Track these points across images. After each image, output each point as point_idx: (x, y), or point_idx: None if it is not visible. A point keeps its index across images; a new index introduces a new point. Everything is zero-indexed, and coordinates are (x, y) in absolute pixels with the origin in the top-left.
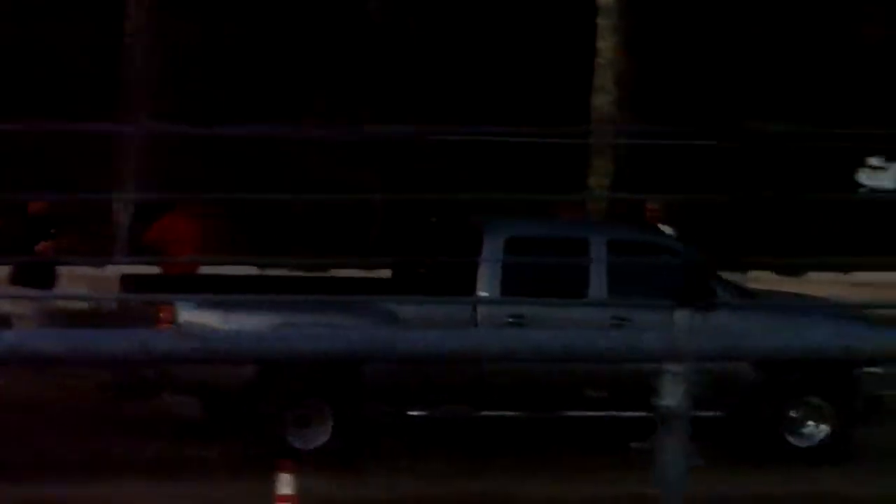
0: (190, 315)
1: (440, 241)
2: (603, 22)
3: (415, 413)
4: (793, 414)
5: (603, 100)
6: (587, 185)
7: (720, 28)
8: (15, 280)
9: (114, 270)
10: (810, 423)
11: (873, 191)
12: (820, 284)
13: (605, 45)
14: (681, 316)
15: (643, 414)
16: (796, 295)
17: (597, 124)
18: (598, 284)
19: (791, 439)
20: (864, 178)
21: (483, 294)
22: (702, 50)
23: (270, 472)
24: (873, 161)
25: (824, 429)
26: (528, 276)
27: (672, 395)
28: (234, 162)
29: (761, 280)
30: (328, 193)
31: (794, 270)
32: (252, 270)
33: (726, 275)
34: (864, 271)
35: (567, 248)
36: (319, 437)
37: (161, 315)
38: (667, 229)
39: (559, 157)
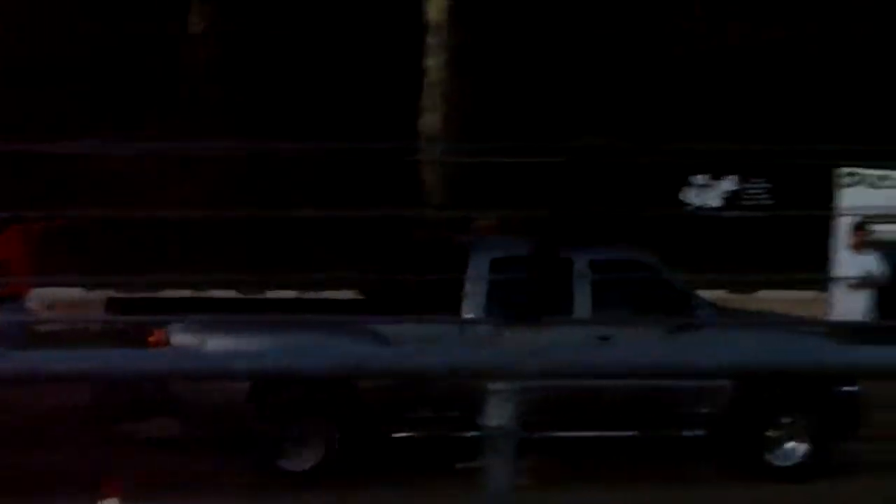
0: (181, 338)
1: (424, 260)
2: (431, 40)
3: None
4: (771, 433)
5: (431, 118)
6: (416, 203)
7: (550, 44)
8: None
9: None
10: (790, 441)
11: (699, 209)
12: None
13: (434, 63)
14: (512, 333)
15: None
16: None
17: (425, 142)
18: (582, 303)
19: (770, 458)
20: (690, 195)
21: (468, 314)
22: (532, 66)
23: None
24: (699, 179)
25: (803, 447)
26: (513, 296)
27: (499, 415)
28: (59, 178)
29: None
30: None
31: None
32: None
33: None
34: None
35: (554, 268)
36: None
37: (152, 338)
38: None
39: (388, 174)
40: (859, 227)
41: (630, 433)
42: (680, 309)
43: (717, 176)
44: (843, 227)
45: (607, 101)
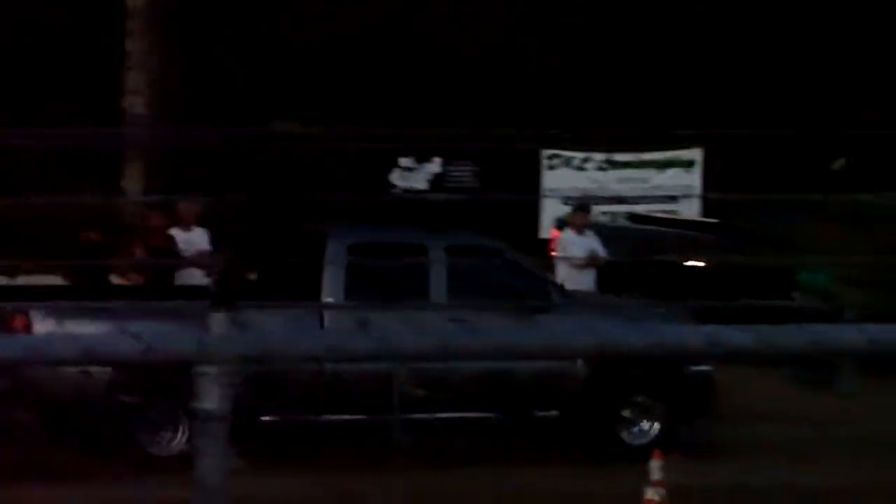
0: (43, 324)
1: (281, 248)
2: (132, 24)
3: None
4: (626, 413)
5: (134, 102)
6: (121, 189)
7: (254, 30)
8: None
9: None
10: (642, 420)
11: (406, 191)
12: None
13: (136, 47)
14: (216, 318)
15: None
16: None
17: (129, 126)
18: (437, 288)
19: (625, 437)
20: (397, 178)
21: (328, 300)
22: (237, 52)
23: None
24: (405, 162)
25: (656, 426)
26: (371, 282)
27: (209, 398)
28: None
29: None
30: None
31: None
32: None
33: None
34: None
35: (407, 254)
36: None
37: (14, 323)
38: (199, 232)
39: (92, 160)
40: (581, 209)
41: (486, 415)
42: (534, 292)
43: (423, 159)
44: (550, 208)
45: (316, 86)
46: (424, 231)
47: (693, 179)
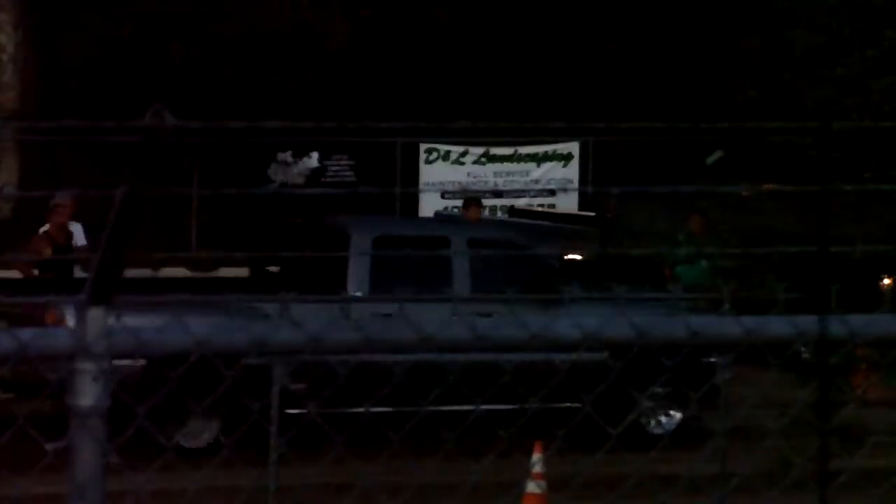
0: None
1: (305, 241)
2: (3, 16)
3: None
4: (648, 402)
5: (6, 95)
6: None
7: (133, 23)
8: None
9: None
10: (665, 410)
11: (283, 185)
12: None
13: (6, 40)
14: (94, 314)
15: None
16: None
17: (1, 120)
18: (461, 280)
19: (647, 427)
20: (274, 173)
21: (355, 293)
22: (107, 46)
23: None
24: (282, 156)
25: (678, 415)
26: (395, 275)
27: (87, 394)
28: None
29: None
30: None
31: (206, 266)
32: None
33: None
34: None
35: (431, 247)
36: None
37: (48, 318)
38: (74, 226)
39: None
40: (474, 202)
41: (512, 406)
42: (551, 283)
43: (300, 153)
44: (428, 202)
45: (189, 79)
46: (448, 223)
47: (571, 173)
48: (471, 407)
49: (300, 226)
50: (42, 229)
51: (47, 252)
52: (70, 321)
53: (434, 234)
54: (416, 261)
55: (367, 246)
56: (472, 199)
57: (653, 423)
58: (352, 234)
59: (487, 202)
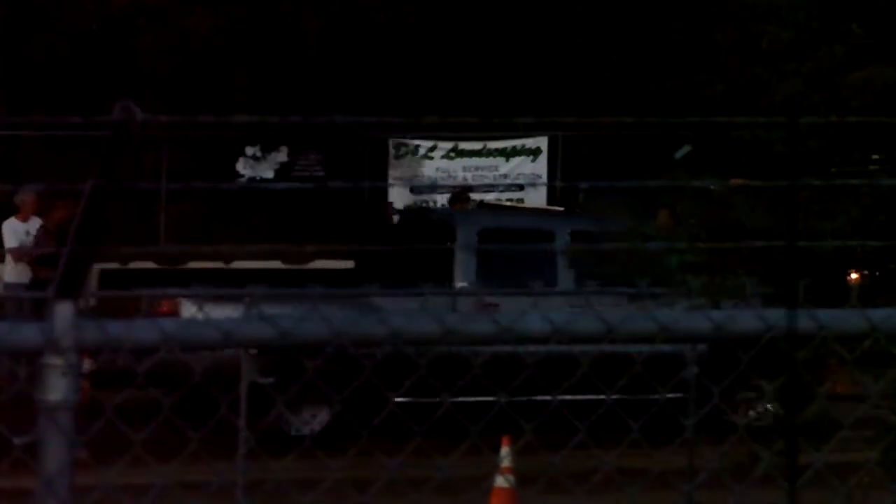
0: (190, 310)
1: (411, 234)
2: None
3: None
4: (741, 395)
5: None
6: None
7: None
8: None
9: None
10: (758, 403)
11: (252, 180)
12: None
13: None
14: (62, 308)
15: None
16: None
17: None
18: (566, 273)
19: (739, 420)
20: (243, 167)
21: (462, 285)
22: (68, 37)
23: None
24: (251, 151)
25: (769, 407)
26: (500, 267)
27: (56, 389)
28: None
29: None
30: None
31: (174, 260)
32: None
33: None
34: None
35: (535, 240)
36: None
37: (165, 310)
38: (33, 222)
39: None
40: (462, 198)
41: (600, 397)
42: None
43: (269, 148)
44: (397, 197)
45: (158, 74)
46: (551, 215)
47: (539, 168)
48: (548, 397)
49: (407, 218)
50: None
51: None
52: (185, 312)
53: (538, 227)
54: (521, 253)
55: (473, 238)
56: (460, 194)
57: (750, 414)
58: (458, 227)
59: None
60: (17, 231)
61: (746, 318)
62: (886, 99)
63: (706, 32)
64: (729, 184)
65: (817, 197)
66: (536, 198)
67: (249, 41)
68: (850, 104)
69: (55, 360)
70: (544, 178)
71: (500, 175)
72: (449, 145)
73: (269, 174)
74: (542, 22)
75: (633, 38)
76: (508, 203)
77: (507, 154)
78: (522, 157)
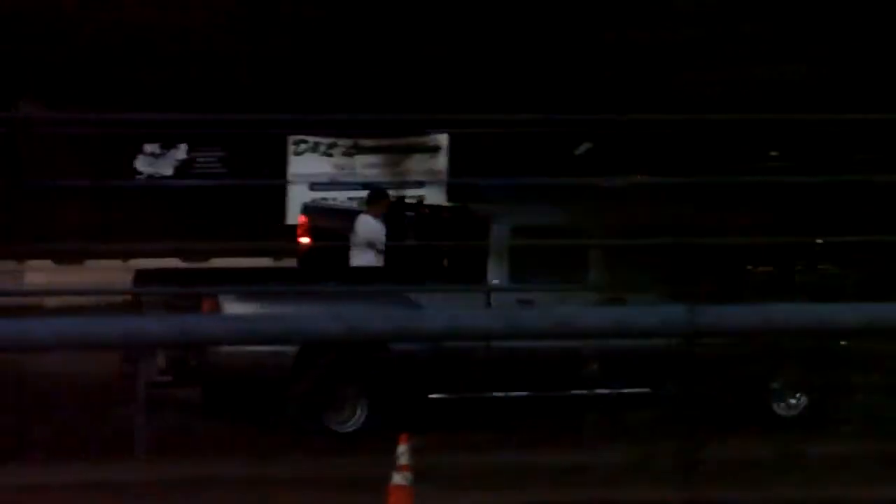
0: (231, 307)
1: (446, 231)
2: None
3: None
4: (776, 385)
5: None
6: None
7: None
8: None
9: None
10: (793, 393)
11: (151, 177)
12: (102, 272)
13: None
14: None
15: None
16: None
17: None
18: (598, 267)
19: (776, 409)
20: (142, 164)
21: (495, 281)
22: None
23: None
24: (150, 148)
25: (805, 398)
26: (533, 263)
27: None
28: None
29: (40, 269)
30: None
31: (73, 258)
32: None
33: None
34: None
35: (568, 236)
36: None
37: (205, 307)
38: None
39: None
40: (383, 196)
41: (645, 390)
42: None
43: (169, 145)
44: (296, 194)
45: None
46: (580, 211)
47: (439, 164)
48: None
49: (440, 214)
50: None
51: None
52: (227, 308)
53: (571, 224)
54: (553, 248)
55: (507, 234)
56: (379, 193)
57: (782, 405)
58: (491, 223)
59: (355, 195)
60: None
61: (646, 315)
62: (787, 97)
63: (607, 31)
64: (631, 180)
65: (719, 193)
66: (436, 195)
67: (152, 38)
68: (755, 100)
69: None
70: (444, 175)
71: (400, 172)
72: (349, 142)
73: (169, 171)
74: (444, 17)
75: (534, 35)
76: (408, 200)
77: (407, 151)
78: (422, 154)
